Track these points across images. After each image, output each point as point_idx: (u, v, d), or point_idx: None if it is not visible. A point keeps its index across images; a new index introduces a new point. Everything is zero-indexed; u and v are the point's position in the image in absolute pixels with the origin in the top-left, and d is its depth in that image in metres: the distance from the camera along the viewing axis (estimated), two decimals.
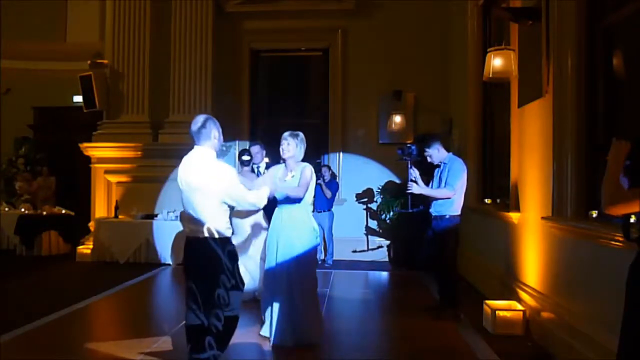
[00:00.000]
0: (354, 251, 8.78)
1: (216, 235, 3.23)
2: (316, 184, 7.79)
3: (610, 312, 2.94)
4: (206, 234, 3.22)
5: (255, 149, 5.97)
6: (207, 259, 3.21)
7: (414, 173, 5.19)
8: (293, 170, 4.21)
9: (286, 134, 4.23)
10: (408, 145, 5.44)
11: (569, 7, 4.02)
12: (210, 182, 3.22)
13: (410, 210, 5.54)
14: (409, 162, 5.29)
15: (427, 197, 5.28)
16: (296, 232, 4.14)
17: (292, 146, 4.17)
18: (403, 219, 8.14)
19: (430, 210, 5.19)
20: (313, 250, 4.27)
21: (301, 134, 4.26)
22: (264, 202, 3.53)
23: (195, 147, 3.31)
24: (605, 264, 3.36)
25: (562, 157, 4.06)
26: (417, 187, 5.15)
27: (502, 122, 6.06)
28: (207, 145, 3.30)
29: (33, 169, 10.51)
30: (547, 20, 4.35)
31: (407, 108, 8.83)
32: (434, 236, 5.20)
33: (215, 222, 3.24)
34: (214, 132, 3.30)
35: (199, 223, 3.24)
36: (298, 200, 4.14)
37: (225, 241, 3.27)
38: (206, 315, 3.21)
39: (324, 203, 8.16)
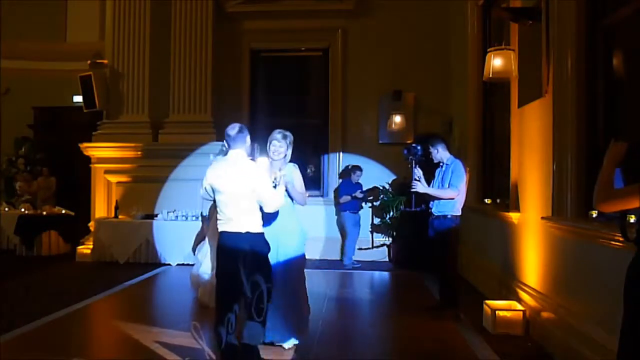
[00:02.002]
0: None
1: (254, 230, 3.58)
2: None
3: (610, 312, 2.94)
4: (246, 229, 3.54)
5: None
6: (249, 250, 3.54)
7: (418, 173, 5.22)
8: (281, 169, 4.07)
9: (278, 135, 4.15)
10: (413, 145, 5.48)
11: (569, 7, 4.02)
12: (249, 181, 3.56)
13: (414, 209, 5.57)
14: (414, 161, 5.33)
15: (426, 197, 5.31)
16: (285, 234, 4.11)
17: (284, 148, 4.13)
18: (404, 219, 8.15)
19: (432, 210, 5.21)
20: (302, 250, 4.26)
21: (290, 135, 4.20)
22: (277, 208, 3.77)
23: (231, 151, 3.65)
24: (605, 264, 3.36)
25: (562, 157, 4.06)
26: (422, 187, 5.18)
27: (502, 122, 6.06)
28: (242, 149, 3.65)
29: (33, 169, 10.51)
30: (547, 20, 4.35)
31: (407, 108, 8.83)
32: (435, 236, 5.22)
33: (253, 218, 3.60)
34: (248, 138, 3.67)
35: (239, 219, 3.56)
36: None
37: (262, 236, 3.64)
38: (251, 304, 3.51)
39: (356, 204, 8.24)
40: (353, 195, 8.21)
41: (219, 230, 3.66)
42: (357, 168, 8.39)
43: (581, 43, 3.93)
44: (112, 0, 8.81)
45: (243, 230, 3.54)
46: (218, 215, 3.68)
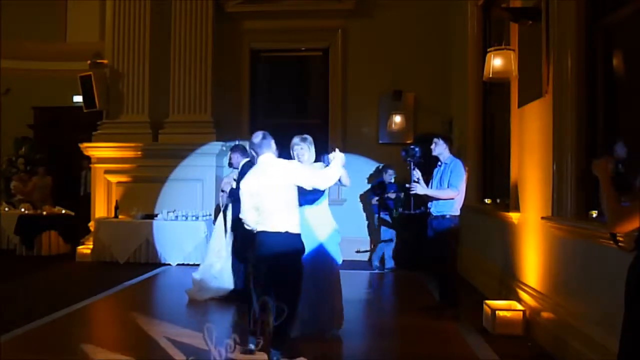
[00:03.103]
0: (358, 251, 8.74)
1: (292, 230, 3.76)
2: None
3: (610, 312, 2.94)
4: (285, 229, 3.74)
5: (235, 156, 5.84)
6: (286, 249, 3.74)
7: (417, 174, 5.21)
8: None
9: (297, 139, 4.38)
10: (412, 147, 5.47)
11: (569, 7, 4.02)
12: (286, 179, 3.77)
13: (413, 212, 5.56)
14: (412, 163, 5.32)
15: (425, 197, 5.30)
16: (319, 230, 4.34)
17: (306, 150, 4.35)
18: (403, 219, 8.12)
19: (431, 210, 5.21)
20: (336, 246, 4.47)
21: (309, 137, 4.44)
22: (334, 180, 3.96)
23: (259, 157, 3.90)
24: (605, 264, 3.36)
25: (562, 157, 4.06)
26: (421, 188, 5.18)
27: (502, 122, 6.06)
28: (270, 153, 3.90)
29: (33, 169, 10.51)
30: (547, 20, 4.35)
31: (407, 108, 8.82)
32: (434, 236, 5.22)
33: (291, 217, 3.78)
34: (272, 142, 3.93)
35: (276, 219, 3.74)
36: (315, 199, 4.34)
37: (298, 236, 3.81)
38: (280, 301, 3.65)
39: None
40: (386, 195, 7.93)
41: (258, 230, 3.81)
42: (389, 167, 8.17)
43: (581, 43, 3.93)
44: (112, 0, 8.81)
45: (282, 230, 3.72)
46: (258, 217, 3.82)
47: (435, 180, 5.30)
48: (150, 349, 4.19)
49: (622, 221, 2.10)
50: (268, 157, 3.88)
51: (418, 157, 5.38)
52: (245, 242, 5.59)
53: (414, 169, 5.26)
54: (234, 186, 5.66)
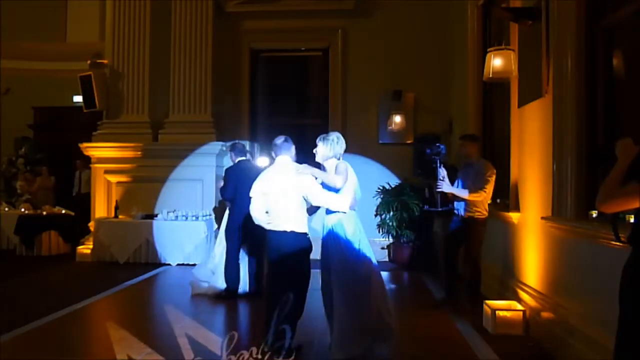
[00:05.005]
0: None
1: (298, 230, 3.93)
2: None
3: (610, 312, 2.93)
4: (291, 228, 3.91)
5: (231, 154, 6.18)
6: (291, 248, 3.92)
7: (442, 172, 5.21)
8: (328, 171, 4.15)
9: (318, 139, 4.21)
10: (437, 144, 5.46)
11: (569, 7, 4.02)
12: (296, 184, 3.94)
13: (439, 209, 5.56)
14: (438, 160, 5.30)
15: (450, 196, 5.32)
16: (343, 240, 3.99)
17: (320, 148, 4.15)
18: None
19: (459, 210, 5.23)
20: (364, 257, 4.09)
21: (332, 135, 4.17)
22: (340, 208, 3.99)
23: (278, 157, 4.10)
24: (605, 264, 3.36)
25: (562, 157, 4.06)
26: (446, 186, 5.17)
27: (502, 122, 6.06)
28: (288, 156, 4.11)
29: (33, 169, 10.52)
30: (547, 20, 4.35)
31: (407, 108, 8.83)
32: (460, 236, 5.24)
33: (298, 218, 3.95)
34: (293, 148, 4.17)
35: (283, 219, 3.92)
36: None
37: (305, 235, 3.98)
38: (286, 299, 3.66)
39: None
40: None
41: (267, 229, 4.00)
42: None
43: (581, 43, 3.93)
44: (112, 0, 8.82)
45: (288, 229, 3.90)
46: (267, 216, 3.99)
47: (461, 180, 5.32)
48: (151, 349, 4.18)
49: (609, 200, 2.08)
50: (285, 160, 4.07)
51: (443, 154, 5.38)
52: (257, 240, 5.67)
53: (440, 167, 5.25)
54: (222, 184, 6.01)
